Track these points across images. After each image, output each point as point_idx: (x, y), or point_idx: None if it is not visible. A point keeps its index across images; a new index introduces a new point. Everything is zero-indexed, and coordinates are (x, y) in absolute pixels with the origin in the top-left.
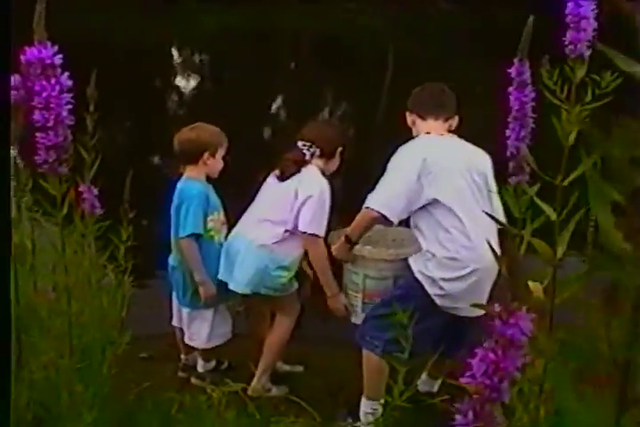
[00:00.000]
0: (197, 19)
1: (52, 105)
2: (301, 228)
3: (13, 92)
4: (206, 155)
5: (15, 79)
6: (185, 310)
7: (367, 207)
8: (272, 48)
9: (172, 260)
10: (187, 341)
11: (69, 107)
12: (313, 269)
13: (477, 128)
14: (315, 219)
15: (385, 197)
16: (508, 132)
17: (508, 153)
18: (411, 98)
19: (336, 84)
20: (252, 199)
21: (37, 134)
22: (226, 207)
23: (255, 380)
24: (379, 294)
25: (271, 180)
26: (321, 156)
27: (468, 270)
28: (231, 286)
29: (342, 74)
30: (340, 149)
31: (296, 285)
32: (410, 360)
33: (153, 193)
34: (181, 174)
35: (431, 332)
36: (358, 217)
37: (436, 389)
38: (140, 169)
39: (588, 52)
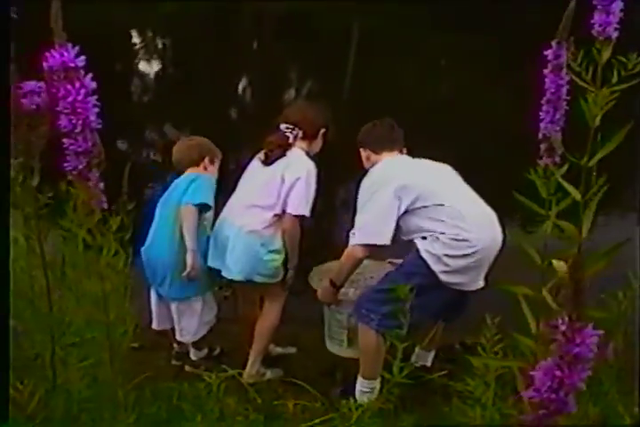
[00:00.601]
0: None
1: (78, 109)
2: (290, 210)
3: (37, 99)
4: (207, 160)
5: (38, 86)
6: (173, 305)
7: (355, 245)
8: (233, 28)
9: (151, 250)
10: (178, 337)
11: (96, 110)
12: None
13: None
14: (303, 200)
15: (371, 228)
16: (541, 115)
17: (540, 135)
18: (362, 135)
19: (300, 61)
20: (235, 184)
21: (65, 140)
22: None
23: (249, 366)
24: None
25: (255, 164)
26: (304, 137)
27: (473, 249)
28: (224, 274)
29: (305, 51)
30: (322, 130)
31: (282, 272)
32: (408, 335)
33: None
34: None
35: (431, 305)
36: (344, 259)
37: (430, 363)
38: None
39: (615, 34)
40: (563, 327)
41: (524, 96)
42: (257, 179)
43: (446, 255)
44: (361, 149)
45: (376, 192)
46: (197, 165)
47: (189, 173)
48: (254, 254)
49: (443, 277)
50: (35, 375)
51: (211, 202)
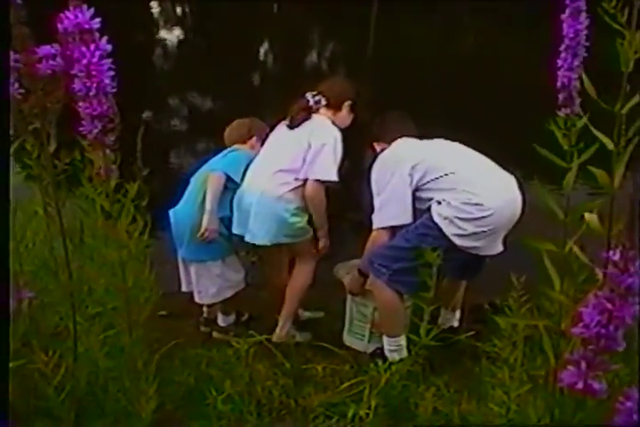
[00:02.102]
0: None
1: (93, 72)
2: (313, 176)
3: (52, 63)
4: (255, 139)
5: (52, 51)
6: (193, 268)
7: (378, 228)
8: None
9: (177, 212)
10: (196, 299)
11: (111, 73)
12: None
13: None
14: (329, 166)
15: (390, 210)
16: (559, 62)
17: (559, 84)
18: (375, 130)
19: (321, 23)
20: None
21: (80, 104)
22: None
23: (278, 328)
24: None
25: (280, 129)
26: (327, 106)
27: (486, 213)
28: (247, 239)
29: (326, 12)
30: (347, 102)
31: (311, 230)
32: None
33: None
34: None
35: (445, 266)
36: (370, 245)
37: (456, 323)
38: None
39: None
40: (615, 257)
41: (546, 51)
42: (282, 143)
43: (458, 218)
44: (375, 144)
45: (389, 175)
46: (245, 142)
47: (233, 147)
48: (279, 218)
49: (457, 241)
50: (60, 346)
51: (237, 176)
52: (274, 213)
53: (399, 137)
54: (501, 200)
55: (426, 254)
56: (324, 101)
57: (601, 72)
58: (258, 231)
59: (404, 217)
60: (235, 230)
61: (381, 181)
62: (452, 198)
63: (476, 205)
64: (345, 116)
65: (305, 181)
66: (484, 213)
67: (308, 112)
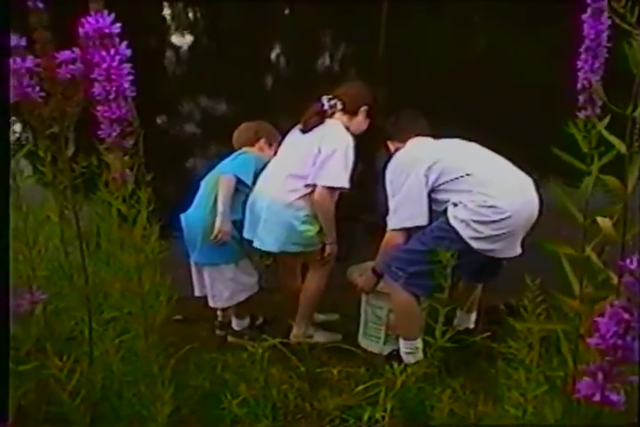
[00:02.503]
0: None
1: (112, 76)
2: (322, 182)
3: (72, 67)
4: (262, 141)
5: (72, 55)
6: (206, 272)
7: (393, 230)
8: None
9: (189, 216)
10: (210, 303)
11: (130, 78)
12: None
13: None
14: (339, 172)
15: (406, 211)
16: (579, 64)
17: (579, 85)
18: (388, 128)
19: (332, 25)
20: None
21: (99, 108)
22: None
23: (295, 327)
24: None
25: (294, 134)
26: (343, 111)
27: (503, 215)
28: (256, 245)
29: (337, 14)
30: (364, 107)
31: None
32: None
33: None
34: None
35: (461, 269)
36: (385, 246)
37: (472, 325)
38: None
39: None
40: (632, 266)
41: (561, 52)
42: (294, 148)
43: (474, 221)
44: (389, 143)
45: (404, 175)
46: (252, 144)
47: (242, 150)
48: (288, 225)
49: (473, 244)
50: (75, 350)
51: (247, 178)
52: (283, 220)
53: (413, 136)
54: (518, 203)
55: (440, 255)
56: (339, 106)
57: (620, 73)
58: (266, 238)
59: (420, 219)
60: (245, 235)
61: (396, 182)
62: (469, 201)
63: (492, 207)
64: (361, 121)
65: (314, 186)
66: (501, 216)
67: (322, 116)
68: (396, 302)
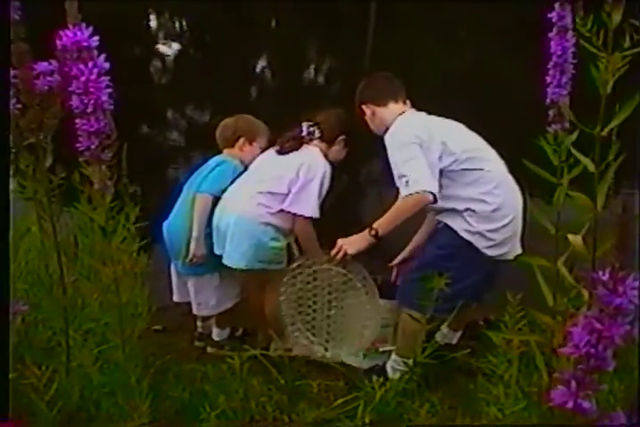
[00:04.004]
0: None
1: (91, 89)
2: (306, 212)
3: (49, 79)
4: (242, 140)
5: (50, 66)
6: (190, 281)
7: (416, 192)
8: (249, 8)
9: (170, 225)
10: (195, 311)
11: (109, 91)
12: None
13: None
14: (313, 203)
15: (424, 176)
16: (548, 79)
17: (548, 100)
18: (361, 91)
19: (318, 37)
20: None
21: (77, 121)
22: None
23: (274, 342)
24: (381, 341)
25: (269, 154)
26: (321, 139)
27: (509, 218)
28: (225, 261)
29: (323, 26)
30: (341, 137)
31: (286, 260)
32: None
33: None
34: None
35: (477, 285)
36: (401, 206)
37: (455, 341)
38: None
39: None
40: (604, 278)
41: (539, 66)
42: (268, 167)
43: (489, 231)
44: (363, 107)
45: (408, 146)
46: (232, 145)
47: (221, 155)
48: (256, 241)
49: (489, 252)
50: (52, 362)
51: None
52: (251, 235)
53: (390, 99)
54: (516, 200)
55: (434, 281)
56: (317, 133)
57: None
58: (234, 254)
59: (433, 185)
60: (216, 251)
61: (405, 153)
62: (474, 207)
63: (497, 210)
64: (339, 150)
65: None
66: (507, 220)
67: (299, 142)
68: (406, 326)
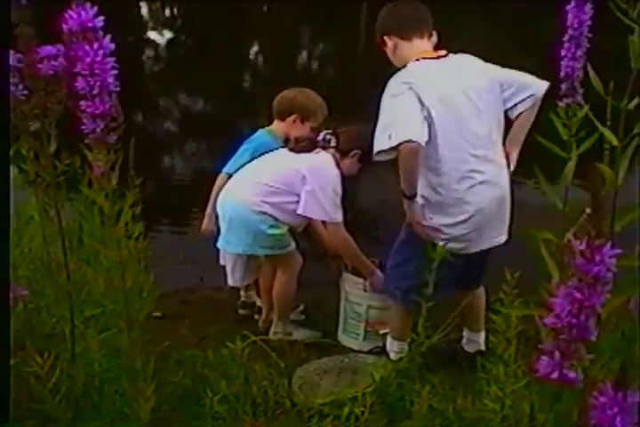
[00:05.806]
0: None
1: (96, 71)
2: (329, 219)
3: (54, 64)
4: (294, 116)
5: (54, 51)
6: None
7: (406, 141)
8: None
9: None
10: (229, 282)
11: (114, 72)
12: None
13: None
14: (327, 207)
15: (411, 126)
16: (563, 52)
17: (562, 74)
18: (384, 19)
19: (312, 24)
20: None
21: (82, 103)
22: None
23: (274, 325)
24: (381, 324)
25: (281, 148)
26: (336, 148)
27: (467, 215)
28: (219, 244)
29: (316, 12)
30: (355, 151)
31: (293, 242)
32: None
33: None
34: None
35: (447, 275)
36: (402, 160)
37: (483, 347)
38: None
39: None
40: (581, 247)
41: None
42: (274, 161)
43: (443, 225)
44: (385, 38)
45: (401, 96)
46: (283, 119)
47: (267, 129)
48: (255, 229)
49: (442, 244)
50: (55, 348)
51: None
52: (249, 223)
53: (417, 27)
54: (485, 197)
55: (437, 252)
56: (333, 142)
57: (606, 68)
58: (234, 240)
59: (423, 136)
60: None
61: (393, 101)
62: (430, 191)
63: (453, 206)
64: (352, 163)
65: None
66: (467, 216)
67: (313, 145)
68: (392, 308)
